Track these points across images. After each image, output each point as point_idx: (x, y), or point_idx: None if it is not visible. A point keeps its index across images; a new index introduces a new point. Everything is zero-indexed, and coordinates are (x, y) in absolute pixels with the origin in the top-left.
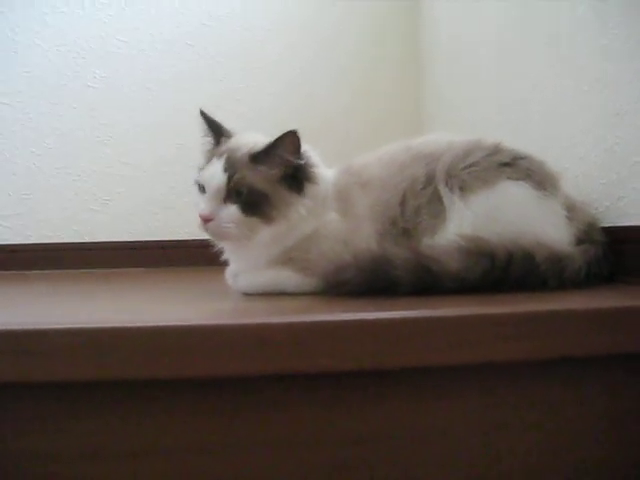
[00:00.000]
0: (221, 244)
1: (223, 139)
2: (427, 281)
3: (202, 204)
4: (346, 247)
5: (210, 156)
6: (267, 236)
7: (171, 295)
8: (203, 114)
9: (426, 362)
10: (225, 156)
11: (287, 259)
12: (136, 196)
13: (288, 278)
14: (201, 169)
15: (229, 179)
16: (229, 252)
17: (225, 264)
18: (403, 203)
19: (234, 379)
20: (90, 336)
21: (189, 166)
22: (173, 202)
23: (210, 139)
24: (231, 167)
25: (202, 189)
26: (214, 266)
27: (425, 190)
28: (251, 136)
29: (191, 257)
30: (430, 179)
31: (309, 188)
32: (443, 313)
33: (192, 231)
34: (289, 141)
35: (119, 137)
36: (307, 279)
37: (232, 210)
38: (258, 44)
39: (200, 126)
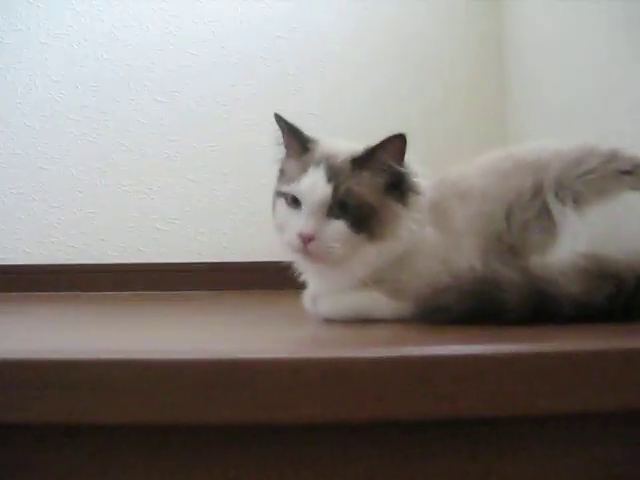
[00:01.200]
0: (309, 265)
1: (311, 145)
2: (542, 306)
3: (300, 221)
4: (445, 266)
5: (298, 165)
6: (372, 256)
7: (243, 321)
8: (279, 118)
9: (558, 408)
10: (324, 164)
11: (377, 280)
12: (204, 215)
13: (377, 302)
14: (285, 180)
15: (335, 190)
16: (310, 273)
17: (301, 287)
18: (509, 217)
19: (314, 425)
20: (135, 370)
21: (260, 184)
22: (244, 222)
23: (284, 148)
24: (335, 176)
25: (294, 203)
26: (287, 289)
27: (533, 202)
28: (342, 142)
29: (262, 280)
30: (538, 190)
31: (414, 200)
32: (575, 347)
33: (262, 252)
34: (395, 145)
35: (187, 154)
36: (399, 304)
37: (339, 226)
38: (334, 56)
39: (274, 133)
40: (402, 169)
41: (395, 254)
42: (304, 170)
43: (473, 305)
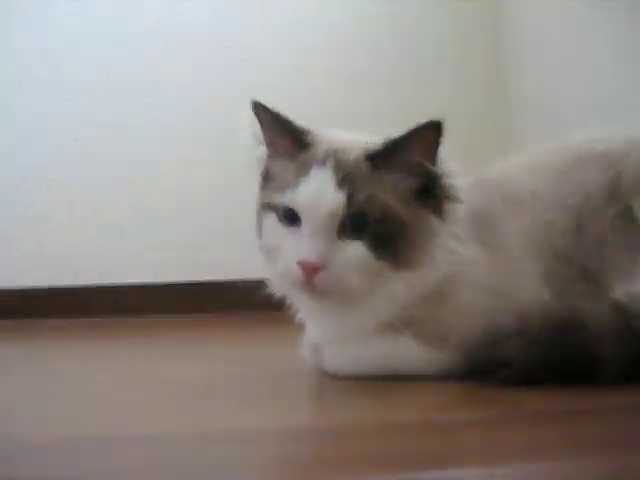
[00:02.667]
0: (312, 304)
1: (308, 138)
2: None
3: (301, 244)
4: (499, 300)
5: (294, 166)
6: (400, 289)
7: (207, 385)
8: (260, 107)
9: None
10: (331, 162)
11: (407, 322)
12: (158, 228)
13: (407, 352)
14: (275, 188)
15: (349, 199)
16: (313, 313)
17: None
18: (579, 229)
19: None
20: None
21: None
22: (226, 235)
23: (266, 147)
24: (348, 180)
25: (290, 219)
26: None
27: (609, 207)
28: (347, 134)
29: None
30: (615, 191)
31: (451, 209)
32: None
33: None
34: (427, 137)
35: (157, 160)
36: (439, 353)
37: (357, 249)
38: None
39: (253, 127)
40: (436, 170)
41: (431, 285)
42: (303, 173)
43: (546, 357)
